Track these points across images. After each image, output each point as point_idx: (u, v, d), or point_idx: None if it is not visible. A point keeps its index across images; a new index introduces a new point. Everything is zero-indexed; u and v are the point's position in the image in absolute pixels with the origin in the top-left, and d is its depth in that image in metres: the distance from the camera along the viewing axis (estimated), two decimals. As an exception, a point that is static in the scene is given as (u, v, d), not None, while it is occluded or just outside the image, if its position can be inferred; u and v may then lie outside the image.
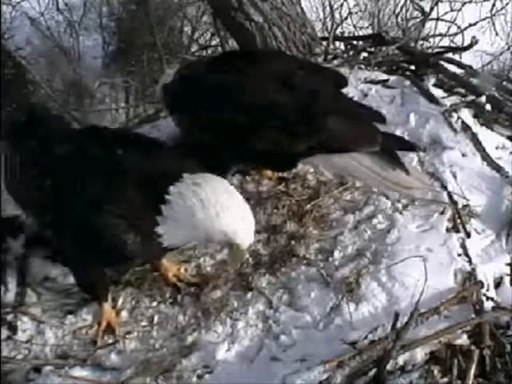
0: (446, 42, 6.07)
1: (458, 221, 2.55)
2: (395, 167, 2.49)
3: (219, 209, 1.94)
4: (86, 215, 1.97)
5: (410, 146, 2.63)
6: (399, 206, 2.66)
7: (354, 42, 4.61)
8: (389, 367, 1.97)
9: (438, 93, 3.42)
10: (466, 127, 3.05)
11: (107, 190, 1.99)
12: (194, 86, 2.53)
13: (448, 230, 2.53)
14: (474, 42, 4.07)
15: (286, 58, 3.12)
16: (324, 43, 4.31)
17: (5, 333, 2.34)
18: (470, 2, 7.31)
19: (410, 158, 2.83)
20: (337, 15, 7.20)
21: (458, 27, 5.98)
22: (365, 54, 4.30)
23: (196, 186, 1.97)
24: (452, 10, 7.20)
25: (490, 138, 3.06)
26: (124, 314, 2.41)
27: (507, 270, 2.35)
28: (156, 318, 2.38)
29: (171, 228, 1.98)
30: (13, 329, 2.36)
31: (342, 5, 7.72)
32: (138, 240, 1.99)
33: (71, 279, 2.45)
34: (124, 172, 2.02)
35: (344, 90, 2.76)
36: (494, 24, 7.59)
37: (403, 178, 2.51)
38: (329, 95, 2.54)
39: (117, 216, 1.96)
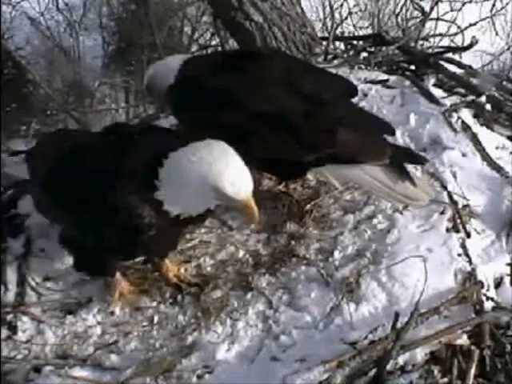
0: (446, 42, 6.07)
1: (458, 221, 2.54)
2: (404, 180, 2.48)
3: (212, 160, 1.90)
4: (101, 192, 1.98)
5: (419, 160, 2.62)
6: (399, 206, 2.66)
7: (354, 42, 4.61)
8: (389, 367, 1.97)
9: (438, 93, 3.42)
10: (466, 127, 3.05)
11: (120, 169, 2.00)
12: (203, 90, 2.50)
13: (448, 230, 2.52)
14: (474, 41, 4.07)
15: (298, 64, 3.00)
16: (324, 43, 4.31)
17: (5, 333, 2.33)
18: (470, 1, 7.32)
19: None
20: (337, 15, 7.23)
21: (458, 27, 5.97)
22: (365, 54, 4.31)
23: (194, 148, 1.95)
24: (452, 10, 7.21)
25: (490, 138, 3.06)
26: (124, 313, 2.41)
27: (507, 269, 2.35)
28: (156, 318, 2.37)
29: (169, 191, 1.96)
30: (13, 329, 2.36)
31: (342, 5, 7.74)
32: (151, 212, 1.98)
33: (71, 279, 2.46)
34: (137, 152, 2.03)
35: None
36: (494, 24, 7.61)
37: (411, 191, 2.49)
38: (340, 105, 2.52)
39: (129, 190, 1.97)
